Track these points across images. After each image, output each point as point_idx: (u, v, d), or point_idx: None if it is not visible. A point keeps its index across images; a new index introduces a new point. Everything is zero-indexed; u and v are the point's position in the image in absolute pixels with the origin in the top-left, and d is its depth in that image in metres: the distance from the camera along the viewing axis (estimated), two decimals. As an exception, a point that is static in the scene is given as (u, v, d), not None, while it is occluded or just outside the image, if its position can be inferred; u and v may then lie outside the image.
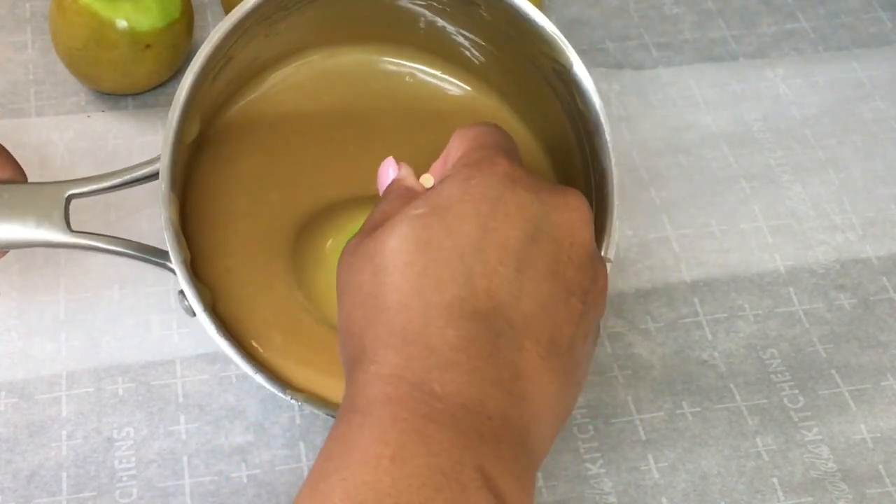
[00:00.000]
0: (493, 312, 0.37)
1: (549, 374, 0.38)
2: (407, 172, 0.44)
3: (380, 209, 0.42)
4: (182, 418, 0.55)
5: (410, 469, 0.34)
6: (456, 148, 0.43)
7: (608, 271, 0.48)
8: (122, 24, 0.63)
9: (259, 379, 0.46)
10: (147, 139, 0.65)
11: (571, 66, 0.50)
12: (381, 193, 0.44)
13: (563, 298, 0.39)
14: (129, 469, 0.53)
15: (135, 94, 0.68)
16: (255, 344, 0.49)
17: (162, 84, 0.68)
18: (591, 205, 0.51)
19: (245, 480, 0.53)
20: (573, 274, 0.40)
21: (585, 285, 0.40)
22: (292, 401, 0.47)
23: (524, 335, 0.38)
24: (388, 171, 0.44)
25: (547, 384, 0.38)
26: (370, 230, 0.40)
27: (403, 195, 0.42)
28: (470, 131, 0.43)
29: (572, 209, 0.40)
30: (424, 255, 0.38)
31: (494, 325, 0.37)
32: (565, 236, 0.40)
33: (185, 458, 0.53)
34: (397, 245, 0.38)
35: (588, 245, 0.40)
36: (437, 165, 0.44)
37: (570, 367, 0.39)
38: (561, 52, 0.50)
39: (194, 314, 0.46)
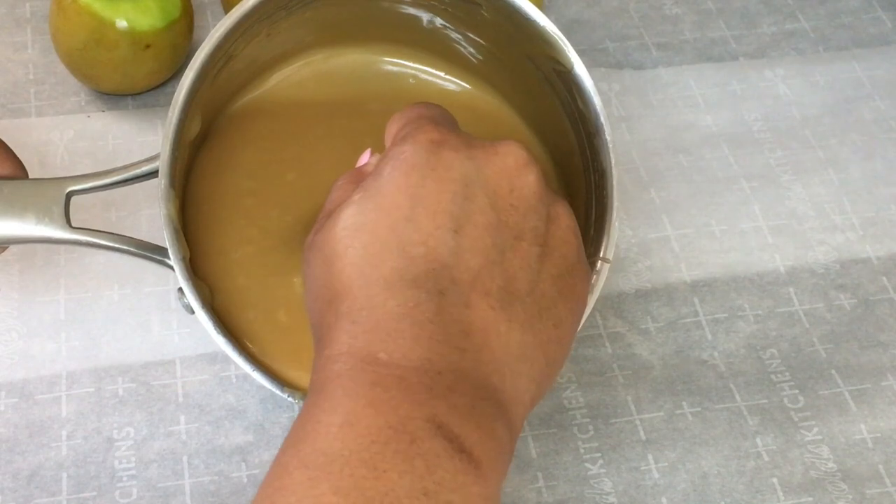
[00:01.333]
0: (434, 275, 0.38)
1: (507, 324, 0.39)
2: (372, 159, 0.45)
3: (328, 199, 0.43)
4: (182, 418, 0.55)
5: (359, 431, 0.35)
6: (389, 131, 0.44)
7: (606, 271, 0.48)
8: (122, 24, 0.63)
9: (257, 376, 0.46)
10: (147, 139, 0.65)
11: (572, 66, 0.50)
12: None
13: (512, 245, 0.40)
14: (129, 469, 0.53)
15: (135, 94, 0.68)
16: (253, 341, 0.49)
17: (162, 84, 0.68)
18: (591, 205, 0.51)
19: (245, 480, 0.53)
20: (519, 219, 0.40)
21: (539, 227, 0.40)
22: (290, 399, 0.47)
23: (471, 290, 0.38)
24: (361, 161, 0.45)
25: (506, 333, 0.38)
26: (322, 221, 0.41)
27: (350, 181, 0.43)
28: (400, 112, 0.44)
29: (504, 156, 0.41)
30: (362, 236, 0.39)
31: (437, 286, 0.38)
32: (502, 185, 0.40)
33: (185, 458, 0.53)
34: (339, 233, 0.39)
35: (533, 186, 0.41)
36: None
37: (535, 312, 0.40)
38: (561, 52, 0.50)
39: (193, 311, 0.46)
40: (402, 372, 0.36)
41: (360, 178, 0.43)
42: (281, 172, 0.54)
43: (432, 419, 0.35)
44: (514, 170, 0.41)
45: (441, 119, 0.43)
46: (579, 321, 0.42)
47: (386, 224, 0.39)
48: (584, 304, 0.43)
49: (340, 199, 0.41)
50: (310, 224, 0.53)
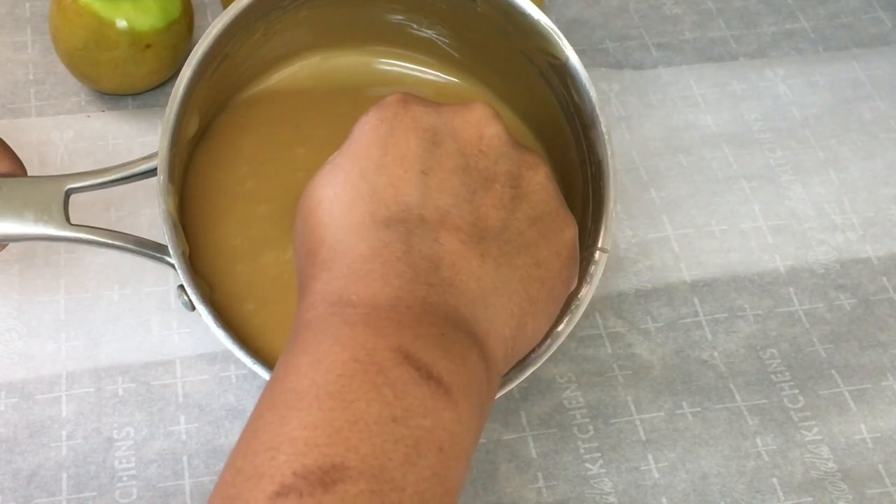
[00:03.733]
0: (403, 216, 0.39)
1: (479, 258, 0.39)
2: None
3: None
4: (182, 418, 0.55)
5: (326, 366, 0.35)
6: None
7: (605, 262, 0.48)
8: (122, 24, 0.63)
9: (257, 370, 0.46)
10: (147, 139, 0.65)
11: (567, 59, 0.50)
12: None
13: (484, 186, 0.41)
14: (129, 469, 0.53)
15: (135, 94, 0.68)
16: (253, 336, 0.49)
17: (162, 84, 0.68)
18: (588, 198, 0.51)
19: (245, 480, 0.53)
20: (490, 164, 0.41)
21: (511, 171, 0.42)
22: None
23: (440, 227, 0.39)
24: None
25: (478, 267, 0.39)
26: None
27: None
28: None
29: (471, 111, 0.42)
30: (335, 187, 0.40)
31: (406, 225, 0.39)
32: (470, 134, 0.42)
33: (185, 458, 0.53)
34: (314, 188, 0.41)
35: (502, 135, 0.42)
36: None
37: (512, 249, 0.40)
38: (556, 45, 0.50)
39: (193, 308, 0.46)
40: (370, 310, 0.37)
41: None
42: (278, 170, 0.54)
43: (398, 349, 0.36)
44: (482, 120, 0.42)
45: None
46: (568, 267, 0.43)
47: (357, 172, 0.40)
48: (573, 253, 0.43)
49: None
50: None
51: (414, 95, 0.43)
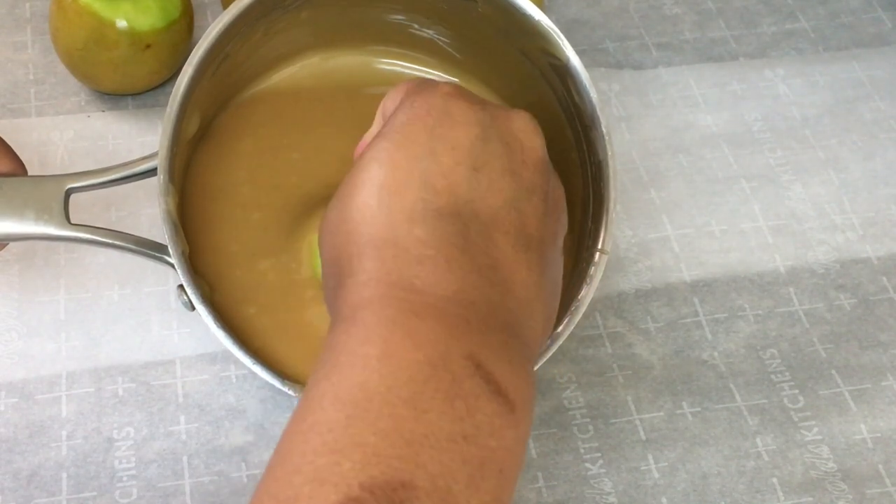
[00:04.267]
0: (458, 208, 0.38)
1: (528, 266, 0.39)
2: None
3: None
4: (182, 418, 0.55)
5: (397, 365, 0.33)
6: (396, 94, 0.43)
7: (605, 263, 0.48)
8: (122, 24, 0.63)
9: (257, 370, 0.46)
10: (147, 139, 0.65)
11: (567, 59, 0.50)
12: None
13: (526, 196, 0.40)
14: (129, 469, 0.53)
15: (135, 94, 0.68)
16: (253, 337, 0.49)
17: (162, 84, 0.68)
18: (588, 199, 0.51)
19: (245, 480, 0.53)
20: (530, 175, 0.40)
21: (545, 188, 0.41)
22: (291, 393, 0.47)
23: (493, 227, 0.38)
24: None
25: (526, 274, 0.38)
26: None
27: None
28: (395, 88, 0.44)
29: (516, 117, 0.41)
30: (382, 170, 0.38)
31: (461, 218, 0.38)
32: (516, 140, 0.41)
33: (185, 458, 0.53)
34: (359, 175, 0.39)
35: (540, 151, 0.41)
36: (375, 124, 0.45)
37: (545, 262, 0.40)
38: (556, 46, 0.50)
39: (193, 308, 0.46)
40: (436, 301, 0.35)
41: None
42: (278, 168, 0.54)
43: (471, 357, 0.34)
44: (527, 130, 0.41)
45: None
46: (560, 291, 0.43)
47: (406, 157, 0.38)
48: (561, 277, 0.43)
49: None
50: (307, 221, 0.53)
51: (461, 88, 0.42)
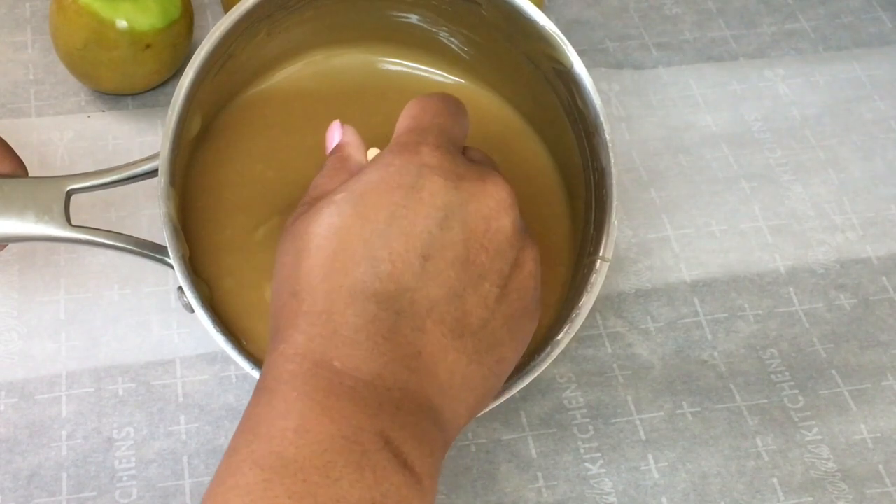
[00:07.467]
0: (395, 295, 0.39)
1: (457, 353, 0.40)
2: (350, 137, 0.45)
3: (314, 183, 0.44)
4: (182, 418, 0.55)
5: (313, 437, 0.36)
6: (399, 123, 0.44)
7: (605, 271, 0.48)
8: (122, 24, 0.63)
9: (256, 374, 0.46)
10: (147, 139, 0.65)
11: (571, 65, 0.50)
12: (326, 155, 0.46)
13: (474, 283, 0.40)
14: (129, 469, 0.53)
15: (135, 94, 0.68)
16: (252, 339, 0.49)
17: (162, 84, 0.68)
18: (591, 205, 0.51)
19: (245, 480, 0.53)
20: (486, 260, 0.41)
21: (504, 271, 0.41)
22: None
23: (427, 316, 0.39)
24: (334, 135, 0.46)
25: (453, 362, 0.40)
26: (303, 208, 0.42)
27: (338, 168, 0.44)
28: (415, 106, 0.44)
29: (489, 196, 0.41)
30: (335, 240, 0.40)
31: (396, 306, 0.39)
32: (479, 224, 0.41)
33: (185, 458, 0.53)
34: (315, 230, 0.40)
35: (506, 231, 0.41)
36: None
37: (483, 347, 0.41)
38: (561, 51, 0.50)
39: (192, 310, 0.46)
40: (354, 383, 0.37)
41: (344, 168, 0.44)
42: (280, 168, 0.54)
43: (381, 433, 0.36)
44: (495, 212, 0.41)
45: (449, 131, 0.43)
46: (519, 357, 0.43)
47: (360, 234, 0.40)
48: (528, 342, 0.44)
49: (324, 189, 0.42)
50: None
51: (444, 153, 0.42)
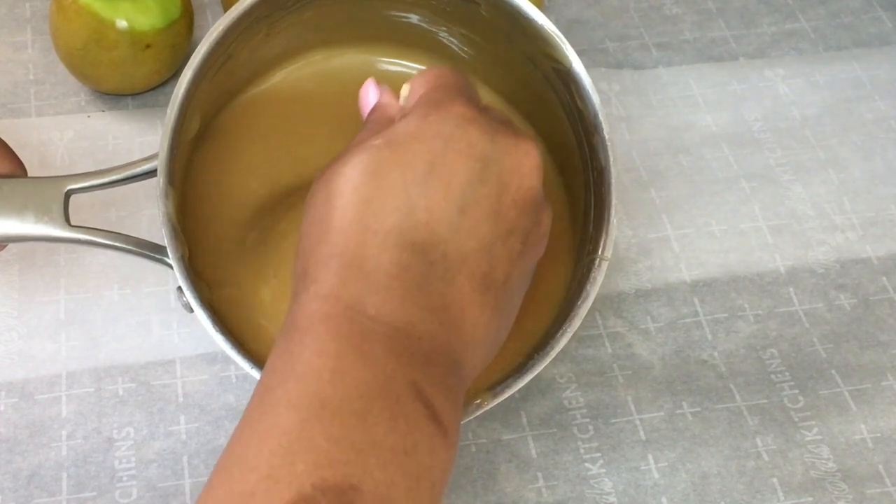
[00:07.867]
0: (429, 245, 0.39)
1: (482, 307, 0.40)
2: (388, 98, 0.45)
3: (356, 138, 0.43)
4: (182, 418, 0.55)
5: (349, 381, 0.36)
6: (418, 87, 0.44)
7: (605, 269, 0.48)
8: (122, 24, 0.63)
9: (256, 374, 0.46)
10: (147, 139, 0.65)
11: (570, 65, 0.50)
12: (363, 116, 0.46)
13: (503, 238, 0.41)
14: (129, 469, 0.53)
15: (135, 94, 0.68)
16: (252, 339, 0.49)
17: (162, 84, 0.68)
18: (590, 204, 0.51)
19: (245, 480, 0.53)
20: (515, 216, 0.41)
21: (527, 227, 0.42)
22: None
23: (458, 269, 0.39)
24: (370, 95, 0.46)
25: (479, 315, 0.40)
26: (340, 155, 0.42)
27: (381, 123, 0.43)
28: (431, 72, 0.44)
29: (524, 154, 0.41)
30: (371, 183, 0.39)
31: (429, 256, 0.39)
32: (513, 180, 0.41)
33: (185, 458, 0.53)
34: (349, 172, 0.40)
35: (535, 190, 0.42)
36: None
37: (503, 301, 0.41)
38: (560, 51, 0.50)
39: (192, 310, 0.46)
40: (387, 330, 0.37)
41: (385, 123, 0.43)
42: (280, 167, 0.54)
43: (413, 384, 0.36)
44: (527, 168, 0.41)
45: (471, 93, 0.44)
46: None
47: (398, 180, 0.39)
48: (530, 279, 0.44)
49: (361, 141, 0.42)
50: None
51: (477, 109, 0.42)
